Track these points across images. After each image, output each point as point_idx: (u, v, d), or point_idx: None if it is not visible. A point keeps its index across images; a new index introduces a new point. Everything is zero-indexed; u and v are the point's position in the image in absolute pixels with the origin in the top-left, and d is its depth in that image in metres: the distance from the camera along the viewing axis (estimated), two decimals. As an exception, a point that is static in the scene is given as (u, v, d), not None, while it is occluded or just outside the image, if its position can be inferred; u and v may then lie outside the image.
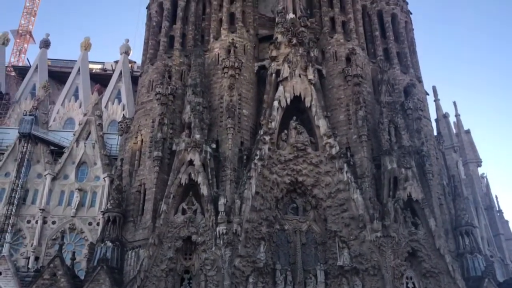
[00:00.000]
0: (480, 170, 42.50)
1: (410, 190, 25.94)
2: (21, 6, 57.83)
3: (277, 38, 29.87)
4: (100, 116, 34.70)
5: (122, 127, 30.13)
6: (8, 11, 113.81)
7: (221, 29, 31.36)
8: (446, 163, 32.23)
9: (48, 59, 45.95)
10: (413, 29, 35.60)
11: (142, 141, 27.91)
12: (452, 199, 28.87)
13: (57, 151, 33.29)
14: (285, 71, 28.53)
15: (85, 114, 35.18)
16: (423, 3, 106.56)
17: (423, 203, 25.92)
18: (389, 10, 34.66)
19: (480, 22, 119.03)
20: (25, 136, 32.19)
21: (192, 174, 24.92)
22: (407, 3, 36.20)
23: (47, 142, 33.13)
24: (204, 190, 24.55)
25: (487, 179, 42.97)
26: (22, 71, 45.49)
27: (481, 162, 42.66)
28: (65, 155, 32.34)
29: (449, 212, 28.14)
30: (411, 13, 36.03)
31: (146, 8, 34.11)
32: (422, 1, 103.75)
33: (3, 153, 32.71)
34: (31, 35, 55.79)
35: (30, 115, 33.39)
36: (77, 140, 33.04)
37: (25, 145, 31.99)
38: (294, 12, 30.92)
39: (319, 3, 33.86)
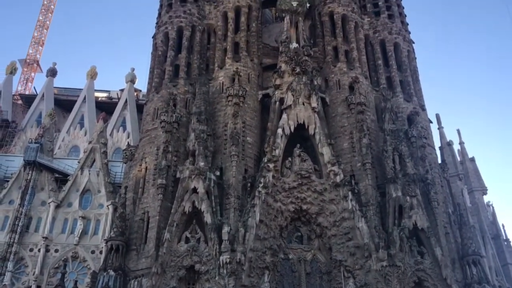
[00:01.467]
0: (486, 198, 42.19)
1: (416, 218, 25.75)
2: (30, 36, 58.96)
3: (280, 67, 30.24)
4: (105, 144, 34.79)
5: (126, 155, 30.22)
6: (16, 40, 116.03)
7: (226, 58, 31.81)
8: (451, 191, 32.01)
9: (55, 87, 46.42)
10: (415, 58, 35.97)
11: (146, 168, 27.94)
12: (458, 227, 28.54)
13: (61, 178, 33.29)
14: (289, 99, 28.76)
15: (90, 142, 35.29)
16: (427, 33, 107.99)
17: (429, 231, 25.67)
18: (391, 40, 35.07)
19: (483, 51, 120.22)
20: (30, 164, 32.24)
21: (196, 202, 24.85)
22: (409, 33, 36.69)
23: (51, 170, 33.16)
24: (207, 218, 24.42)
25: (493, 207, 42.61)
26: (28, 100, 45.91)
27: (487, 190, 42.36)
28: (69, 183, 32.34)
29: (455, 241, 27.77)
30: (413, 42, 36.48)
31: (152, 37, 34.66)
32: (425, 30, 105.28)
33: (7, 181, 32.74)
34: (38, 64, 56.53)
35: (35, 142, 33.50)
36: (82, 168, 33.07)
37: (30, 172, 32.03)
38: (298, 41, 31.40)
39: (322, 33, 34.38)
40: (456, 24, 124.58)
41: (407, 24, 37.16)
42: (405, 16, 37.55)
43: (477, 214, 39.21)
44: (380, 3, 36.79)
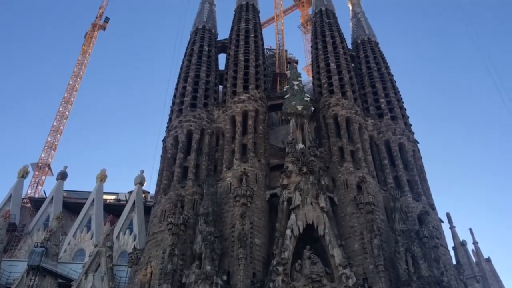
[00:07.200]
0: (508, 302, 40.03)
1: (435, 325, 24.28)
2: (43, 141, 60.93)
3: (287, 167, 30.58)
4: (111, 247, 34.21)
5: (132, 259, 29.61)
6: (30, 145, 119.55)
7: (234, 159, 32.38)
8: (470, 294, 30.54)
9: (64, 190, 46.78)
10: (421, 158, 36.38)
11: (151, 273, 27.16)
12: (481, 334, 26.83)
13: (65, 284, 32.35)
14: (297, 199, 28.67)
15: (96, 245, 34.78)
16: (430, 131, 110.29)
17: None
18: (396, 140, 35.80)
19: (489, 147, 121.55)
20: (34, 269, 31.55)
21: (203, 309, 23.78)
22: (413, 133, 37.52)
23: (55, 275, 32.36)
24: (214, 326, 23.20)
25: (516, 311, 40.32)
26: (37, 203, 46.08)
27: (508, 292, 40.37)
28: (72, 289, 31.34)
29: None
30: (418, 142, 37.14)
31: (162, 141, 35.67)
32: (429, 128, 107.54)
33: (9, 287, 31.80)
34: (49, 168, 57.66)
35: (41, 246, 33.09)
36: (86, 272, 32.21)
37: (33, 278, 31.21)
38: (304, 142, 32.12)
39: (327, 134, 35.25)
40: (464, 124, 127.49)
41: (411, 125, 38.15)
42: (408, 117, 38.67)
43: (500, 320, 37.00)
44: (382, 105, 38.15)
